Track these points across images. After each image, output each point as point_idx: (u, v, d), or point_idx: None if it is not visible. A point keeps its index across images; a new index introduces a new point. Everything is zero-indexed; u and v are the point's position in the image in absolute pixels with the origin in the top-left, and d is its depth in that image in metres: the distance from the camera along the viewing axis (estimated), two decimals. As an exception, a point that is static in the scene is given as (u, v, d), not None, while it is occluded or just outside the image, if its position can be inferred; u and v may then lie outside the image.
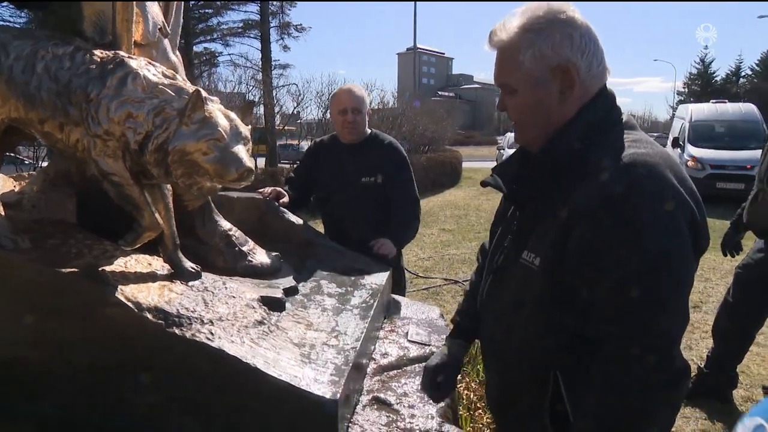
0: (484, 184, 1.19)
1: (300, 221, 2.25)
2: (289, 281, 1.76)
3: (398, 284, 2.78)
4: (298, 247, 2.13)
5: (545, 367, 1.00)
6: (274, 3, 15.12)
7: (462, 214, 9.47)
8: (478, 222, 8.69)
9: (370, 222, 2.43)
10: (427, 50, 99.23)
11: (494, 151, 17.80)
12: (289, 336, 1.41)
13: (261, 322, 1.40)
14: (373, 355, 1.70)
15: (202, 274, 1.52)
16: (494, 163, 18.26)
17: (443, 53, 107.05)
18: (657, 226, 0.87)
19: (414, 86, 22.91)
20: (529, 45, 0.97)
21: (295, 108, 13.69)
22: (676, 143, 11.32)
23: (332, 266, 2.05)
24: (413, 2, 22.88)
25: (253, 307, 1.46)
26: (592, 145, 0.97)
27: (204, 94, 1.25)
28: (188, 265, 1.50)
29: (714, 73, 39.39)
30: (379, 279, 2.00)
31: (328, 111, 2.84)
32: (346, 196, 2.43)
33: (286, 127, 14.07)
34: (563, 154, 0.99)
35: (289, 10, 15.83)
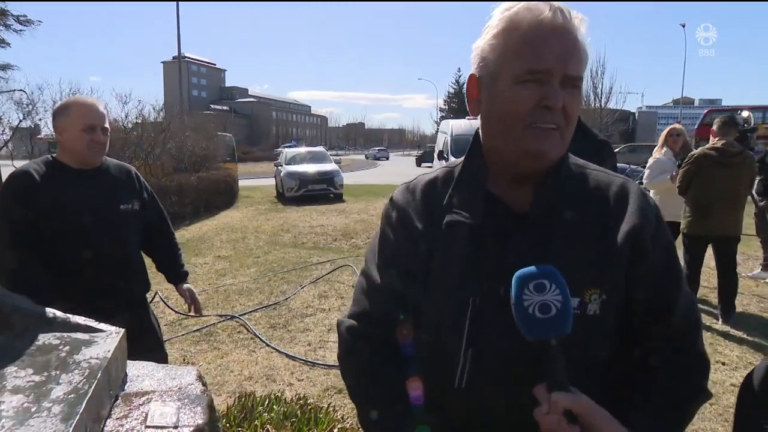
0: (450, 225, 0.94)
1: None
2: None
3: (151, 336, 2.33)
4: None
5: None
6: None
7: (240, 238, 9.02)
8: (257, 245, 8.37)
9: (135, 256, 2.28)
10: (196, 60, 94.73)
11: (273, 168, 17.62)
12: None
13: None
14: (91, 464, 1.28)
15: None
16: (273, 180, 18.16)
17: (214, 64, 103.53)
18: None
19: (181, 98, 21.33)
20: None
21: (20, 120, 11.23)
22: (441, 156, 12.80)
23: (33, 342, 1.52)
24: (175, 3, 21.28)
25: None
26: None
27: None
28: None
29: (467, 92, 48.35)
30: (104, 348, 1.55)
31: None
32: (105, 230, 2.12)
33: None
34: (568, 169, 0.96)
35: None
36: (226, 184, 14.02)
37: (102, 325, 1.71)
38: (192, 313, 2.52)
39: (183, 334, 4.39)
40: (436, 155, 13.79)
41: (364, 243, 8.45)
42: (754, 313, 4.67)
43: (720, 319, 4.40)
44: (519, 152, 0.89)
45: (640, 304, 0.90)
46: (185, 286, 2.46)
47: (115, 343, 1.63)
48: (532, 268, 0.80)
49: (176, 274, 2.47)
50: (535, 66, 0.84)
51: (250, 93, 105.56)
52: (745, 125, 5.25)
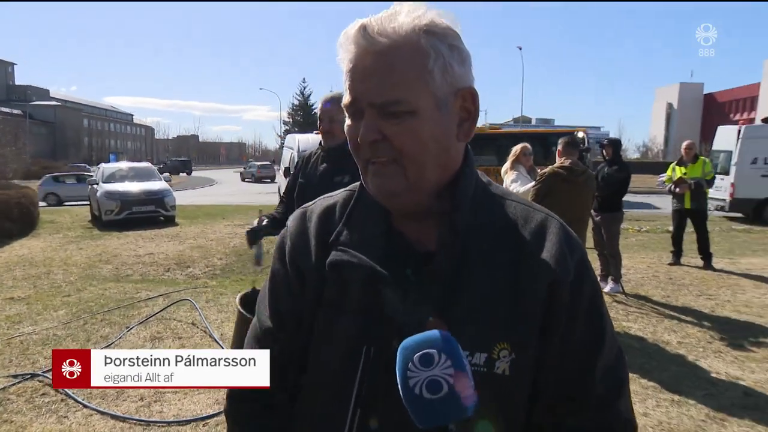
0: (334, 265, 0.87)
1: None
2: None
3: None
4: None
5: None
6: None
7: (42, 273, 8.03)
8: (67, 281, 7.53)
9: None
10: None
11: (86, 188, 15.97)
12: None
13: None
14: None
15: None
16: (87, 202, 16.54)
17: None
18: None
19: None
20: (437, 52, 0.80)
21: None
22: (287, 172, 12.80)
23: None
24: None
25: None
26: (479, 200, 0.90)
27: None
28: None
29: (313, 105, 49.43)
30: None
31: None
32: None
33: None
34: (483, 197, 0.91)
35: None
36: (20, 207, 12.39)
37: None
38: None
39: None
40: (281, 172, 13.79)
41: (203, 272, 8.06)
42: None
43: None
44: (372, 191, 0.88)
45: (552, 364, 0.86)
46: None
47: None
48: (415, 337, 0.73)
49: None
50: (345, 99, 0.85)
51: (52, 95, 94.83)
52: (582, 145, 6.08)
